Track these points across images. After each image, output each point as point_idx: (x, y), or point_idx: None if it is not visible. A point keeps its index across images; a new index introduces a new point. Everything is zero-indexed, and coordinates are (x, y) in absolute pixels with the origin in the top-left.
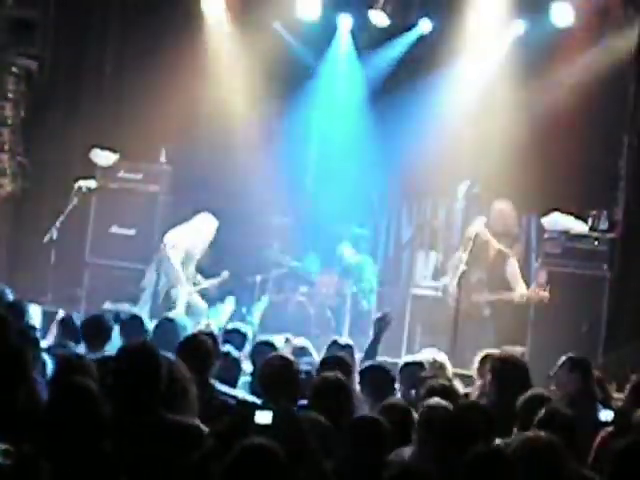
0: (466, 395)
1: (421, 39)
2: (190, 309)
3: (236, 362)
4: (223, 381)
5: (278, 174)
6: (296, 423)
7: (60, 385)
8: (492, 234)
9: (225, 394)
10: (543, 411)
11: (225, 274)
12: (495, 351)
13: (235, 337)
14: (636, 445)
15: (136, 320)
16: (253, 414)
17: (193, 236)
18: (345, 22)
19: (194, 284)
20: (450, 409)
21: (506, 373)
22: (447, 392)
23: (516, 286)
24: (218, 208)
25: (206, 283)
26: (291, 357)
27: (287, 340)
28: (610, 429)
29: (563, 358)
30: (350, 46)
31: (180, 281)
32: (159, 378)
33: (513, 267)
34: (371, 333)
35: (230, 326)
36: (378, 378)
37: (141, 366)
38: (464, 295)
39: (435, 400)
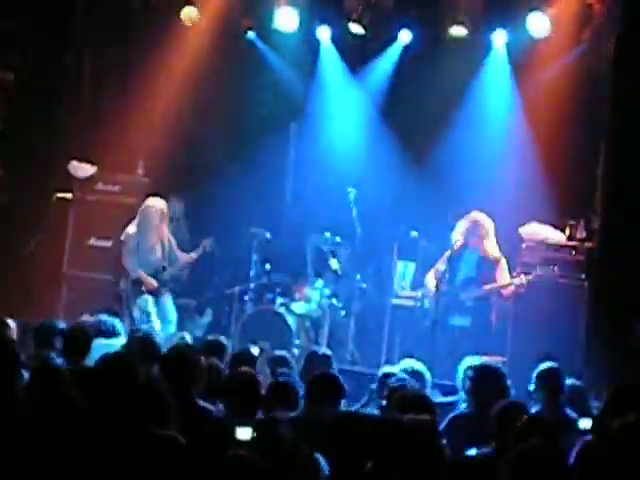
0: (450, 404)
1: (402, 51)
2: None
3: (221, 374)
4: (209, 393)
5: (257, 185)
6: (277, 435)
7: (44, 397)
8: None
9: (205, 407)
10: (524, 419)
11: (205, 243)
12: (475, 361)
13: (215, 349)
14: (614, 456)
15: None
16: (233, 428)
17: (139, 222)
18: (324, 34)
19: (162, 269)
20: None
21: (484, 382)
22: (419, 401)
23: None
24: (196, 219)
25: (181, 261)
26: (253, 373)
27: (262, 350)
28: (588, 438)
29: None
30: (333, 57)
31: (133, 272)
32: (138, 390)
33: (503, 269)
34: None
35: (210, 337)
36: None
37: (120, 379)
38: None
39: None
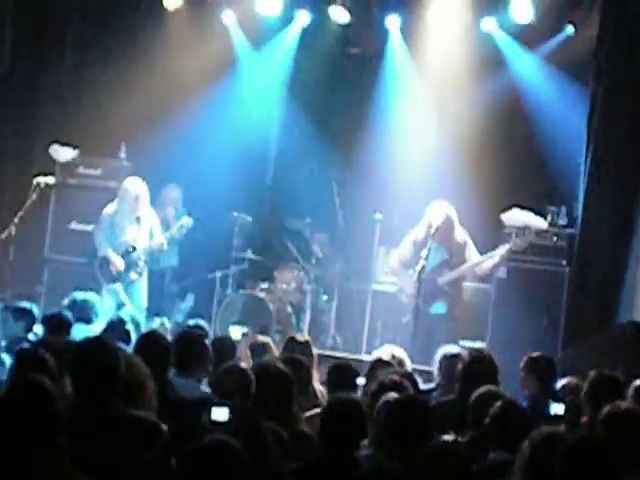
0: (429, 391)
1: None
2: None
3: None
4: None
5: (238, 170)
6: (254, 421)
7: (13, 383)
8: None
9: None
10: (497, 405)
11: (184, 220)
12: (454, 347)
13: None
14: (584, 442)
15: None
16: (210, 410)
17: (116, 203)
18: (302, 18)
19: (132, 249)
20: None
21: (475, 371)
22: (398, 388)
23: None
24: None
25: (156, 240)
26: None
27: (244, 334)
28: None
29: (524, 358)
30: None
31: (101, 250)
32: (117, 373)
33: (472, 249)
34: None
35: (191, 322)
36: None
37: (99, 361)
38: (426, 282)
39: (391, 395)
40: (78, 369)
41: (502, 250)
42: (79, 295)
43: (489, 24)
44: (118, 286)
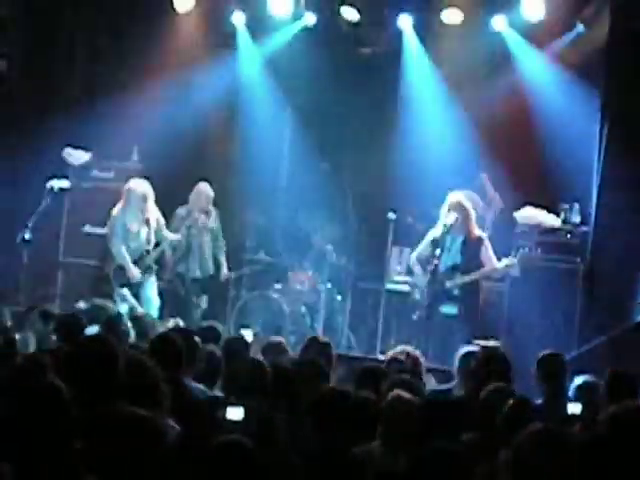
0: (446, 391)
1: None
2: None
3: (219, 361)
4: (204, 379)
5: (251, 170)
6: (266, 419)
7: (27, 386)
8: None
9: (196, 388)
10: (509, 403)
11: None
12: (472, 346)
13: (210, 335)
14: (601, 439)
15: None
16: (225, 410)
17: (122, 205)
18: (309, 18)
19: (146, 253)
20: (413, 402)
21: (488, 369)
22: (409, 387)
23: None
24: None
25: (167, 242)
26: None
27: (255, 335)
28: (580, 425)
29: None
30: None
31: (120, 258)
32: (114, 369)
33: (488, 249)
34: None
35: (205, 324)
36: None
37: (96, 357)
38: (437, 283)
39: (398, 392)
40: (73, 366)
41: (511, 260)
42: (95, 300)
43: (500, 22)
44: (126, 291)
